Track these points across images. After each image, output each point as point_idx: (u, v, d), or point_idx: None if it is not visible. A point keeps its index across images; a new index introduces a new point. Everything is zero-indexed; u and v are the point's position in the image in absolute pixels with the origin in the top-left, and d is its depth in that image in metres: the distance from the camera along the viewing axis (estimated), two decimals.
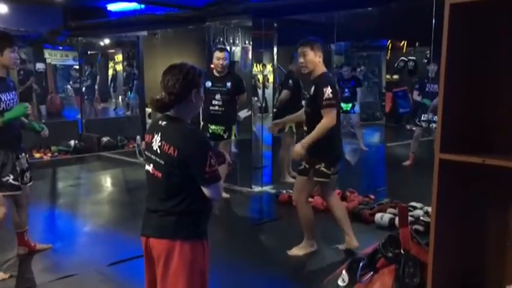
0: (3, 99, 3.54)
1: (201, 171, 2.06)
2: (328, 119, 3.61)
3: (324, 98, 3.60)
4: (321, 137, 3.62)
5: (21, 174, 3.69)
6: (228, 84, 5.40)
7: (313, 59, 3.72)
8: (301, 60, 3.77)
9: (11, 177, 3.58)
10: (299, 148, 3.71)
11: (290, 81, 6.19)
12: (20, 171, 3.67)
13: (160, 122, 2.18)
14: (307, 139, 3.70)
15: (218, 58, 5.40)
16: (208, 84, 5.38)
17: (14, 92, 3.68)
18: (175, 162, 2.08)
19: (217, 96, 5.39)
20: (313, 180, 3.83)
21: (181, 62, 2.20)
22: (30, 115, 3.75)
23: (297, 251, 4.00)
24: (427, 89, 7.15)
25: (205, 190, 2.11)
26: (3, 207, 3.61)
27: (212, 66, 5.56)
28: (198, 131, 2.28)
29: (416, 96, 7.42)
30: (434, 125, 7.04)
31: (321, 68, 3.78)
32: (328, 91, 3.59)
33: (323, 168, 3.74)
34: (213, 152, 2.15)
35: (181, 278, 2.13)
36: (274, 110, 6.80)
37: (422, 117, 7.09)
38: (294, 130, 6.30)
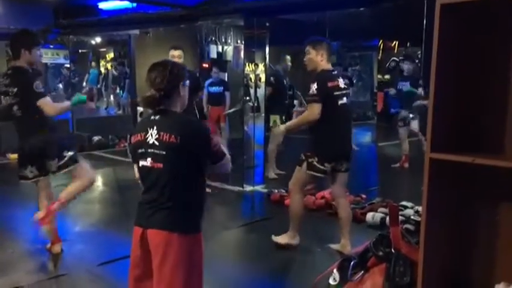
0: None
1: (208, 152, 2.21)
2: (308, 112, 3.79)
3: (309, 94, 3.74)
4: (301, 124, 3.89)
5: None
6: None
7: (314, 58, 3.81)
8: (304, 58, 3.88)
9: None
10: (282, 128, 4.11)
11: (272, 78, 6.55)
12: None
13: (153, 117, 2.22)
14: (291, 123, 4.09)
15: (173, 56, 5.35)
16: None
17: None
18: (178, 149, 2.14)
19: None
20: (306, 173, 3.86)
21: (164, 59, 2.30)
22: None
23: (280, 239, 4.09)
24: (399, 86, 7.26)
25: (215, 168, 2.28)
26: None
27: None
28: (194, 118, 2.39)
29: (393, 91, 7.54)
30: (412, 124, 7.11)
31: (322, 66, 3.83)
32: (313, 87, 3.69)
33: (315, 163, 3.79)
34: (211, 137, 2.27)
35: (181, 270, 2.15)
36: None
37: (400, 116, 7.17)
38: (279, 124, 6.41)
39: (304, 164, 3.84)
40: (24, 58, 3.68)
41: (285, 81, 6.58)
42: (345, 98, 3.85)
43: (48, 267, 3.78)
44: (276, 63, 7.30)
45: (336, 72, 3.97)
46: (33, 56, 3.72)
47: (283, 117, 6.55)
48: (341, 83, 3.84)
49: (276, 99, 6.50)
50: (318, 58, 3.80)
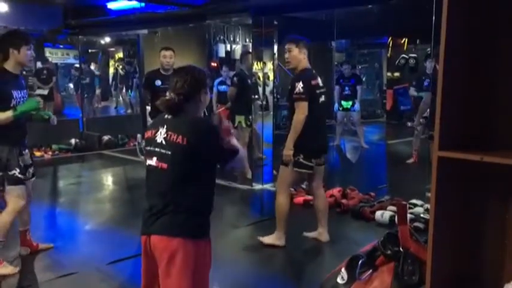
0: (15, 96, 3.55)
1: (218, 152, 2.15)
2: (298, 113, 3.78)
3: (295, 92, 3.78)
4: (298, 132, 3.77)
5: (25, 170, 3.70)
6: None
7: (297, 56, 3.87)
8: (286, 55, 3.93)
9: (18, 170, 3.59)
10: (286, 151, 3.84)
11: (235, 78, 6.59)
12: (23, 166, 3.67)
13: (166, 116, 2.20)
14: (288, 140, 3.83)
15: (165, 56, 5.48)
16: (158, 82, 5.49)
17: (25, 91, 3.71)
18: (184, 150, 2.09)
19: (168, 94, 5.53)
20: (294, 171, 3.91)
21: (188, 64, 2.28)
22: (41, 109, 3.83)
23: (266, 239, 4.12)
24: (425, 84, 7.13)
25: (229, 166, 2.24)
26: (21, 200, 3.63)
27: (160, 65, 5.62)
28: (205, 118, 2.34)
29: (413, 92, 7.42)
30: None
31: (304, 65, 3.90)
32: (299, 85, 3.74)
33: (302, 160, 3.86)
34: (220, 136, 2.20)
35: (185, 277, 2.10)
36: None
37: (423, 114, 7.02)
38: (244, 125, 6.53)
39: (291, 163, 3.88)
40: (13, 58, 3.56)
41: (249, 80, 6.55)
42: (323, 96, 3.97)
43: (59, 266, 3.81)
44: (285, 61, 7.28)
45: (314, 71, 4.03)
46: (22, 56, 3.57)
47: (249, 117, 6.53)
48: (320, 81, 3.97)
49: (241, 100, 6.49)
50: (301, 56, 3.88)
